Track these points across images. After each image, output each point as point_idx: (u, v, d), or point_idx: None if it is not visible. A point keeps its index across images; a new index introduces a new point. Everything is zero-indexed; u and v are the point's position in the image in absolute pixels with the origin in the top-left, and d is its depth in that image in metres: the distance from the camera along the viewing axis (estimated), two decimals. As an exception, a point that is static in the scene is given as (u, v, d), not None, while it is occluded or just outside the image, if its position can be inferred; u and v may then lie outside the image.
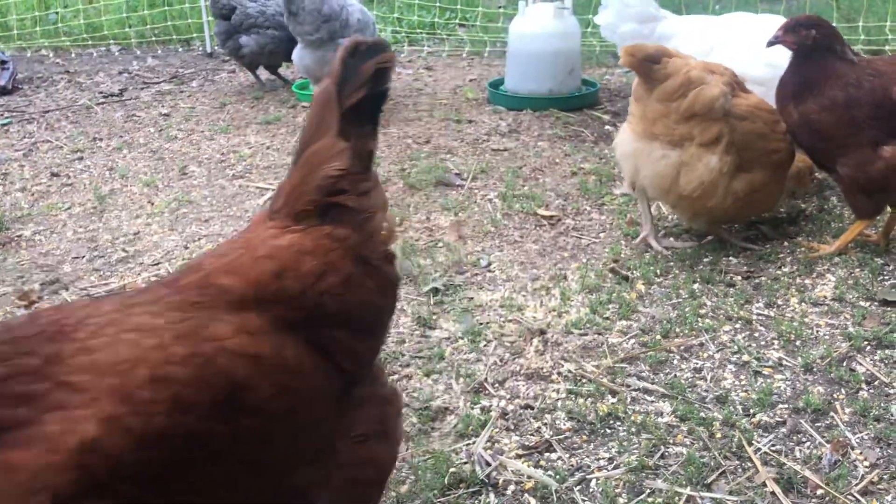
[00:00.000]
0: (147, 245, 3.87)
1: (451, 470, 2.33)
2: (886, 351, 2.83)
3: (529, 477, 2.32)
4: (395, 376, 2.81)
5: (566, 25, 5.84)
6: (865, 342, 2.88)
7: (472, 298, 3.29)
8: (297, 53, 5.42)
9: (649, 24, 4.44)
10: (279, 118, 5.78)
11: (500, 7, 8.79)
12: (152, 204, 4.37)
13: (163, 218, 4.18)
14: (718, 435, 2.46)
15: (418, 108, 5.90)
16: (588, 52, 7.03)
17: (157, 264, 3.67)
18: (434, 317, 3.16)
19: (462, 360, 2.88)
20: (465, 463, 2.38)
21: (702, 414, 2.54)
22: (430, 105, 5.98)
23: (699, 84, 3.31)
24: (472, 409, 2.62)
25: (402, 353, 2.93)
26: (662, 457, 2.38)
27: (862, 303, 3.14)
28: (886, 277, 3.31)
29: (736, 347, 2.88)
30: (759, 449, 2.40)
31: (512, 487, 2.29)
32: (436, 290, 3.34)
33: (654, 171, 3.45)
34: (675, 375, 2.75)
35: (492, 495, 2.26)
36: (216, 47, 7.83)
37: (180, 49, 8.43)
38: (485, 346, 2.97)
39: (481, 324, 3.10)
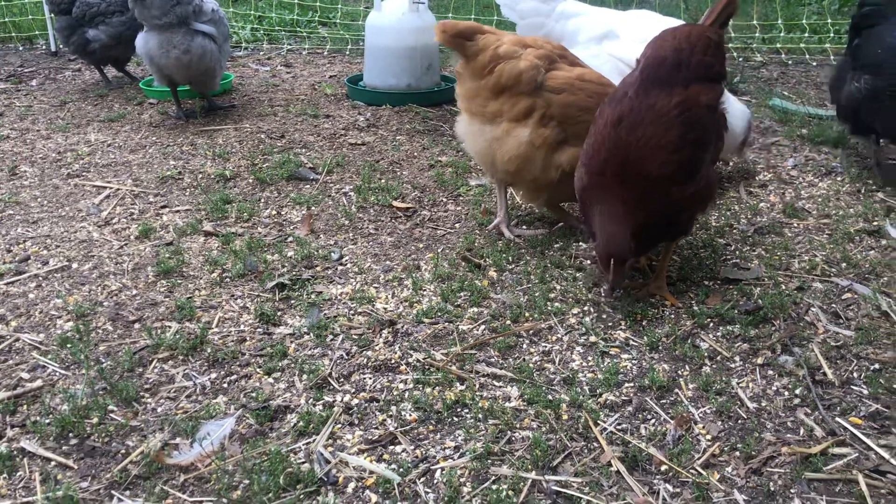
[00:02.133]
0: (-36, 250, 3.52)
1: (288, 470, 2.18)
2: (728, 327, 2.87)
3: (371, 472, 2.20)
4: (234, 377, 2.63)
5: (423, 20, 5.76)
6: (708, 319, 2.92)
7: (320, 292, 3.14)
8: (140, 38, 5.03)
9: (550, 3, 4.41)
10: (123, 115, 5.44)
11: (364, 8, 8.66)
12: (-25, 207, 4.01)
13: (-15, 221, 3.83)
14: (565, 417, 2.41)
15: (273, 104, 5.69)
16: (447, 49, 6.97)
17: (-27, 270, 3.34)
18: (279, 313, 3.00)
19: (306, 356, 2.74)
20: (304, 462, 2.24)
21: (549, 396, 2.49)
22: (286, 101, 5.78)
23: (507, 59, 3.29)
24: (314, 405, 2.48)
25: (241, 353, 2.75)
26: (509, 442, 2.31)
27: (706, 282, 3.19)
28: (728, 257, 3.39)
29: (584, 329, 2.86)
30: (605, 429, 2.36)
31: (353, 484, 2.16)
32: (282, 286, 3.18)
33: (476, 148, 3.46)
34: (524, 359, 2.70)
35: (331, 494, 2.13)
36: (61, 46, 7.35)
37: (21, 48, 7.87)
38: (331, 340, 2.83)
39: (329, 318, 2.96)
